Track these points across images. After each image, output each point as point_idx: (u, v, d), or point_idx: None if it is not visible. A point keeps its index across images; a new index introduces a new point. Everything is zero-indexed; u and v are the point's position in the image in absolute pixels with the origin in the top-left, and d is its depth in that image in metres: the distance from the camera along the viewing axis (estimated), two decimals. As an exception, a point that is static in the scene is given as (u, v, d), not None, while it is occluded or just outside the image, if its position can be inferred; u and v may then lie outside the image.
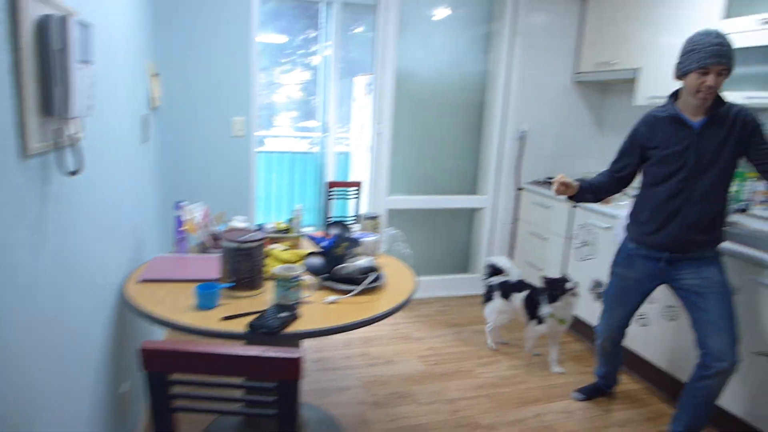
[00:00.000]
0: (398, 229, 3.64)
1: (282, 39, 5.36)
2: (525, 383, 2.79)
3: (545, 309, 2.82)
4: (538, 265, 3.65)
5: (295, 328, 1.59)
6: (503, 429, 2.39)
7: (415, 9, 3.56)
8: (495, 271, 3.20)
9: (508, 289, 3.06)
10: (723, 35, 1.94)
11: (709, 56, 1.91)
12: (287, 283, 1.70)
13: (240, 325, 1.56)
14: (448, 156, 3.90)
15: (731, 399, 2.30)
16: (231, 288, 1.79)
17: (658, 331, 2.71)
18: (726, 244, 2.25)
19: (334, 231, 2.19)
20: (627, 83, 3.42)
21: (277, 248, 2.12)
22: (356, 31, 5.41)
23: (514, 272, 3.16)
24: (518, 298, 2.99)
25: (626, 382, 2.84)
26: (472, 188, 4.00)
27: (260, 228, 2.37)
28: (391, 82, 3.51)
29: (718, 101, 2.04)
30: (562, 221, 3.42)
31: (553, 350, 2.95)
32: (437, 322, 3.51)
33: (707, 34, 1.95)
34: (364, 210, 3.73)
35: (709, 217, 2.09)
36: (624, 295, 2.37)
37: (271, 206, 5.53)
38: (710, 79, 1.93)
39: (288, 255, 2.07)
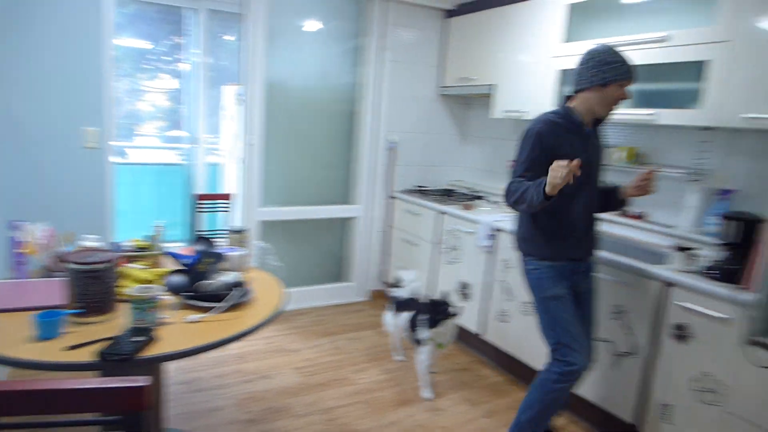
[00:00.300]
0: (272, 240, 3.60)
1: (146, 44, 5.04)
2: (399, 385, 2.88)
3: (424, 333, 2.73)
4: (410, 271, 3.79)
5: (152, 351, 1.50)
6: (378, 433, 2.45)
7: (285, 20, 3.54)
8: (398, 283, 3.14)
9: (400, 305, 3.00)
10: None
11: (632, 69, 1.98)
12: (143, 304, 1.60)
13: (89, 354, 1.44)
14: (321, 166, 3.93)
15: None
16: (79, 314, 1.64)
17: (518, 326, 2.94)
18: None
19: (198, 247, 2.10)
20: (485, 98, 3.69)
21: (134, 268, 1.99)
22: (226, 38, 5.26)
23: (409, 287, 3.07)
24: (404, 316, 2.92)
25: (489, 375, 3.05)
26: (345, 198, 4.06)
27: (116, 246, 2.20)
28: (261, 92, 3.45)
29: None
30: (430, 227, 3.59)
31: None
32: (313, 333, 3.51)
33: (617, 49, 1.99)
34: (235, 223, 3.62)
35: (598, 223, 2.22)
36: (573, 313, 2.12)
37: (136, 222, 5.15)
38: (628, 92, 2.01)
39: (146, 274, 1.95)
